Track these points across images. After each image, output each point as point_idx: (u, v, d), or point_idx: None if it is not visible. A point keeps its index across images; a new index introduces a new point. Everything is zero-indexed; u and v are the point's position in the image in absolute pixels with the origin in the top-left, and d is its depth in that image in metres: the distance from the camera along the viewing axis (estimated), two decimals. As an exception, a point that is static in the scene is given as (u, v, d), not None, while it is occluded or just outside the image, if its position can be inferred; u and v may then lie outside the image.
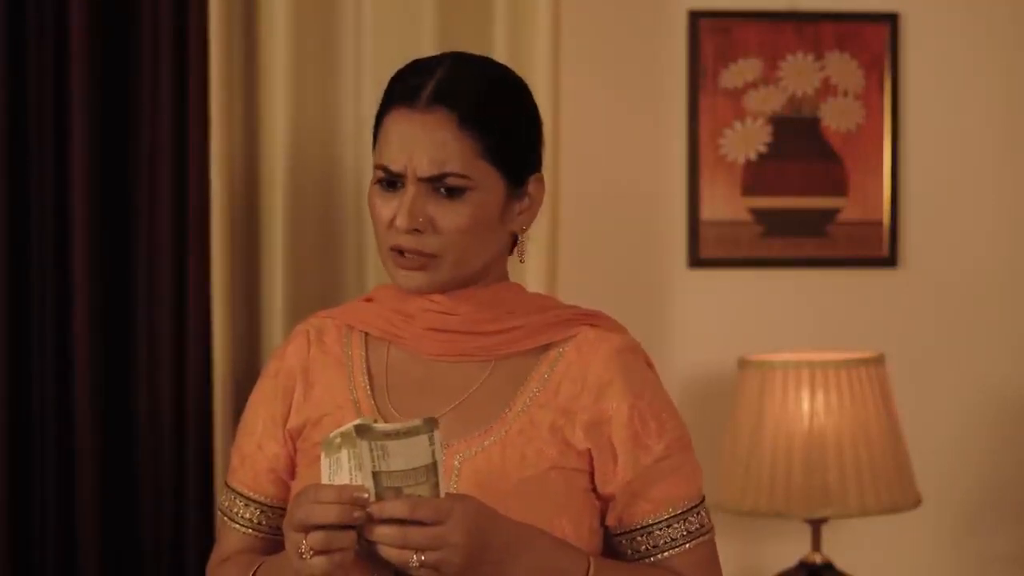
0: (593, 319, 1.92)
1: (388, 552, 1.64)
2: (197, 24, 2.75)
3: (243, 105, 2.83)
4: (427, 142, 1.81)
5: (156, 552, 2.77)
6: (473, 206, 1.83)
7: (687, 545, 1.85)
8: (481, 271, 1.88)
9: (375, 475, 1.63)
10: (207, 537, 2.74)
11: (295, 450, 1.92)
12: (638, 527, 1.85)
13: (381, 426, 1.64)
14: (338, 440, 1.66)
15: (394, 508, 1.63)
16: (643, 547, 1.85)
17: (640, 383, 1.87)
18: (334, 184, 2.87)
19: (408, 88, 1.84)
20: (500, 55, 2.83)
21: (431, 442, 1.64)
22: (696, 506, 1.86)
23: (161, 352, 2.77)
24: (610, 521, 1.86)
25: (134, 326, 2.79)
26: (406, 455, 1.64)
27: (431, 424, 1.65)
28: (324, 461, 1.69)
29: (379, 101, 1.89)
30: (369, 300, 1.97)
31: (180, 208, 2.77)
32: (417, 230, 1.82)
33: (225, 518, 1.96)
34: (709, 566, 1.87)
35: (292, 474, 1.92)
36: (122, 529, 2.77)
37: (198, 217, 2.76)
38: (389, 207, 1.84)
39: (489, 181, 1.84)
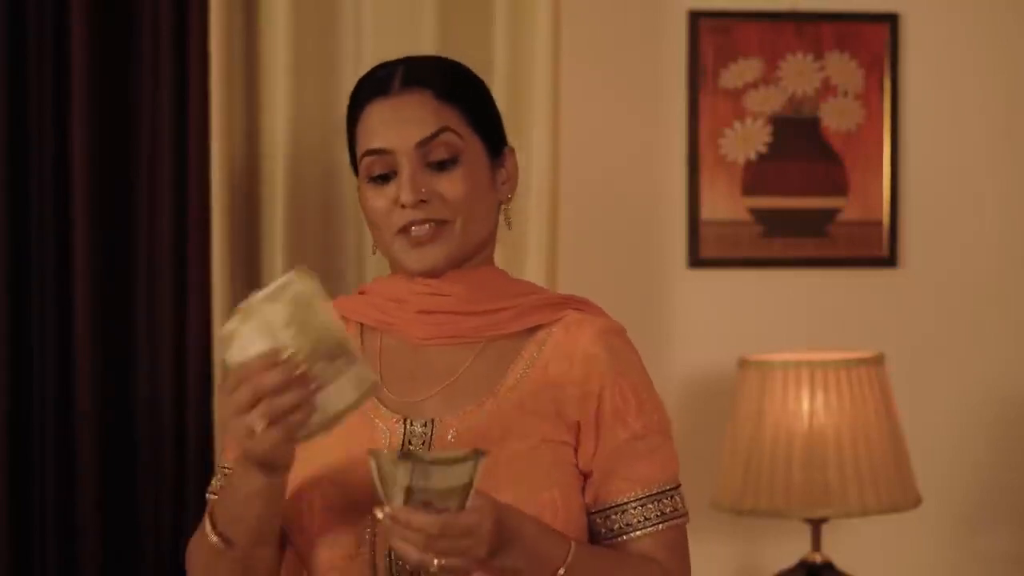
0: (579, 304, 1.95)
1: (407, 552, 1.64)
2: (197, 24, 2.75)
3: (243, 105, 2.83)
4: (411, 117, 1.86)
5: (156, 551, 2.77)
6: (467, 172, 1.87)
7: (660, 526, 1.86)
8: (480, 244, 1.92)
9: (408, 489, 1.61)
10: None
11: None
12: (613, 505, 1.86)
13: (427, 454, 1.64)
14: (254, 304, 1.65)
15: (423, 522, 1.61)
16: (616, 525, 1.86)
17: (624, 362, 1.90)
18: (334, 183, 2.87)
19: (376, 82, 1.91)
20: (500, 55, 2.84)
21: (475, 467, 1.63)
22: (671, 490, 1.88)
23: (161, 352, 2.77)
24: (587, 499, 1.88)
25: (134, 326, 2.79)
26: (447, 478, 1.62)
27: (479, 454, 1.63)
28: (241, 329, 1.66)
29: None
30: (362, 293, 2.01)
31: (180, 208, 2.77)
32: (423, 201, 1.85)
33: (211, 496, 1.95)
34: (678, 550, 1.88)
35: None
36: (122, 528, 2.77)
37: (198, 217, 2.76)
38: (385, 195, 1.87)
39: (475, 148, 1.89)
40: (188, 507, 2.76)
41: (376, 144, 1.87)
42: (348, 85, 2.86)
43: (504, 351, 1.90)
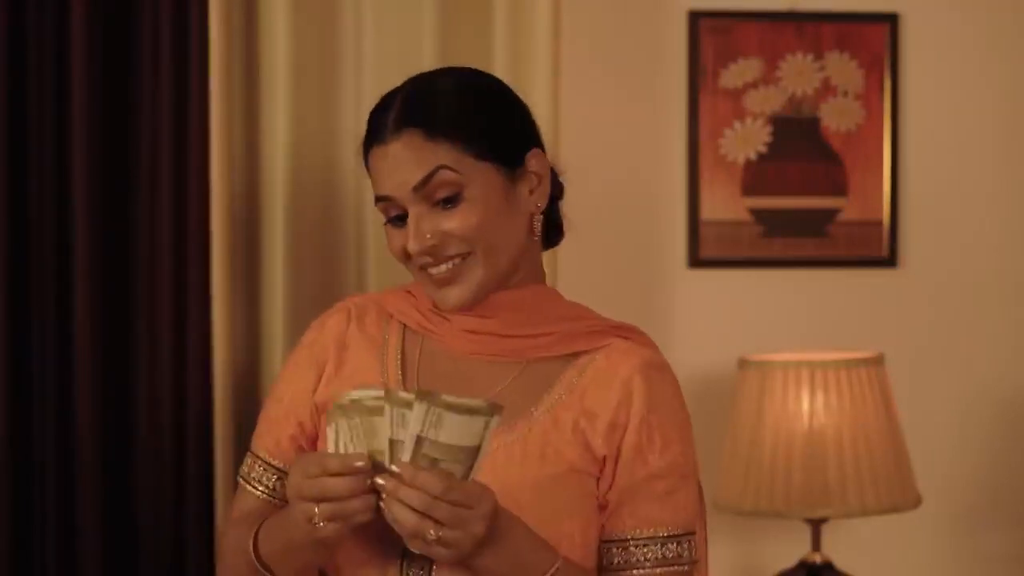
0: (625, 332, 1.93)
1: (405, 516, 1.63)
2: (197, 24, 2.75)
3: (243, 105, 2.83)
4: (404, 162, 1.83)
5: (156, 552, 2.77)
6: (475, 203, 1.83)
7: (658, 570, 1.84)
8: (511, 267, 1.89)
9: (419, 439, 1.61)
10: (207, 537, 2.75)
11: (319, 423, 1.93)
12: (616, 539, 1.85)
13: (446, 396, 1.63)
14: (368, 402, 1.65)
15: (427, 481, 1.62)
16: (616, 560, 1.85)
17: (659, 399, 1.87)
18: (334, 184, 2.87)
19: (375, 125, 1.88)
20: (500, 56, 2.83)
21: (486, 427, 1.63)
22: (679, 536, 1.85)
23: (161, 352, 2.77)
24: None
25: (134, 327, 2.78)
26: (458, 432, 1.62)
27: (493, 409, 1.63)
28: (336, 426, 1.68)
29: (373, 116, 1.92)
30: (409, 293, 1.97)
31: (180, 208, 2.77)
32: (434, 245, 1.83)
33: (242, 481, 1.96)
34: None
35: (314, 446, 1.92)
36: (122, 529, 2.77)
37: (198, 217, 2.76)
38: (400, 237, 1.86)
39: (480, 174, 1.84)
40: (188, 507, 2.76)
41: (380, 191, 1.86)
42: (348, 85, 2.90)
43: (544, 373, 1.88)
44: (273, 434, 1.94)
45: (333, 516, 1.66)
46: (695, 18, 3.24)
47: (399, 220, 1.86)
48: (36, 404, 2.74)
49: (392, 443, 1.63)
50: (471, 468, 1.64)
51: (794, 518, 3.01)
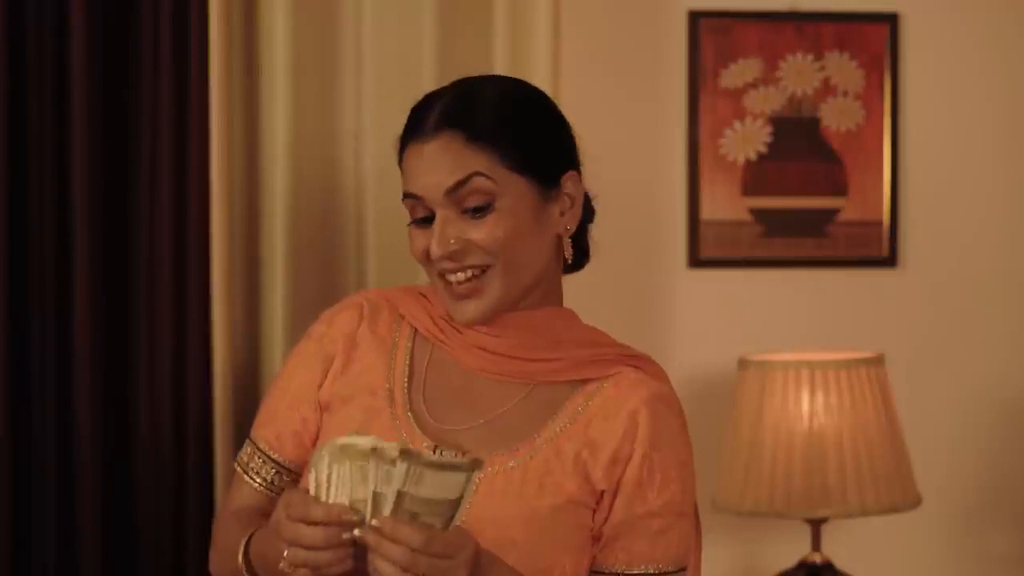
0: (637, 361, 1.90)
1: (387, 571, 1.61)
2: (197, 24, 2.75)
3: (243, 105, 2.83)
4: (440, 163, 1.80)
5: (156, 553, 2.77)
6: (504, 215, 1.81)
7: None
8: (531, 283, 1.86)
9: (400, 494, 1.60)
10: (207, 536, 2.74)
11: (321, 421, 1.91)
12: (605, 571, 1.84)
13: (428, 455, 1.62)
14: (361, 447, 1.63)
15: (408, 535, 1.59)
16: None
17: (662, 435, 1.85)
18: (334, 184, 2.87)
19: (415, 121, 1.85)
20: (500, 57, 2.83)
21: (467, 480, 1.62)
22: (670, 573, 1.84)
23: (161, 352, 2.77)
24: None
25: (135, 328, 2.78)
26: (439, 487, 1.61)
27: (474, 465, 1.62)
28: (328, 468, 1.65)
29: (385, 117, 1.90)
30: (423, 295, 1.95)
31: (180, 209, 2.77)
32: (456, 251, 1.81)
33: (240, 470, 1.95)
34: None
35: (315, 443, 1.90)
36: (122, 529, 2.77)
37: (198, 217, 2.76)
38: (423, 239, 1.83)
39: (513, 187, 1.82)
40: (188, 507, 2.76)
41: (410, 189, 1.83)
42: (348, 85, 2.90)
43: (551, 398, 1.86)
44: (274, 426, 1.93)
45: (302, 564, 1.63)
46: (695, 18, 3.24)
47: (424, 222, 1.83)
48: (36, 404, 2.74)
49: (376, 495, 1.62)
50: (451, 519, 1.64)
51: (794, 518, 3.01)
